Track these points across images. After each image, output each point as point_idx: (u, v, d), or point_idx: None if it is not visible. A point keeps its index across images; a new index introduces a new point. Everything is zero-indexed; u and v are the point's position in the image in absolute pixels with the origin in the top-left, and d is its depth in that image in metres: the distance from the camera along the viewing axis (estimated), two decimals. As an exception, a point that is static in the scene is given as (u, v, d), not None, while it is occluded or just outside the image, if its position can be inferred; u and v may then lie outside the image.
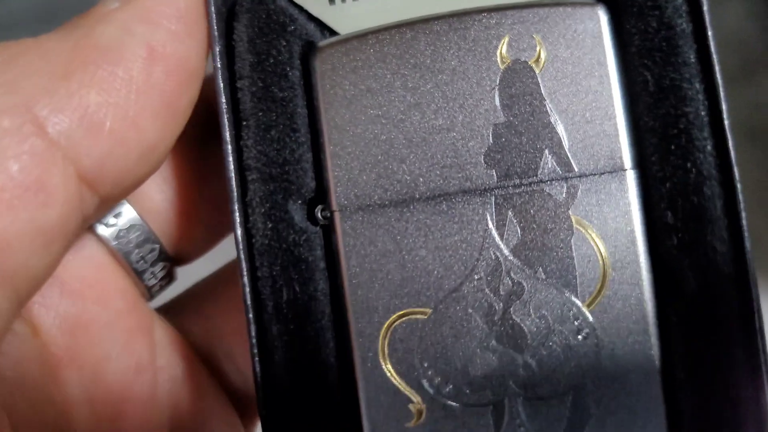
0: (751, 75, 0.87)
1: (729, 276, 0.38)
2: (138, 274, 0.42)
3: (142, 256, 0.42)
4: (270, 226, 0.39)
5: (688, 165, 0.38)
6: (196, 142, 0.43)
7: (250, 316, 0.39)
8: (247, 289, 0.39)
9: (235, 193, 0.39)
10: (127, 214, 0.42)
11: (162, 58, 0.36)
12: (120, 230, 0.41)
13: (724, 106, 0.38)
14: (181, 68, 0.37)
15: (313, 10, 0.43)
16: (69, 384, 0.38)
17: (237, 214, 0.39)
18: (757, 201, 0.80)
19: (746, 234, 0.37)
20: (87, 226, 0.39)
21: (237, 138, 0.39)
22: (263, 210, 0.39)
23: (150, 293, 0.45)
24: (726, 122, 0.38)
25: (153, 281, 0.44)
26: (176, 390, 0.42)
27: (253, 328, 0.39)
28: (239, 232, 0.39)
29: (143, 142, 0.36)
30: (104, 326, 0.40)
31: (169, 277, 0.45)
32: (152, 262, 0.43)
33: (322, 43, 0.41)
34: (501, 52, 0.40)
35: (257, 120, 0.40)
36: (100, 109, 0.34)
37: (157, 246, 0.43)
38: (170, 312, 0.46)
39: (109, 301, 0.40)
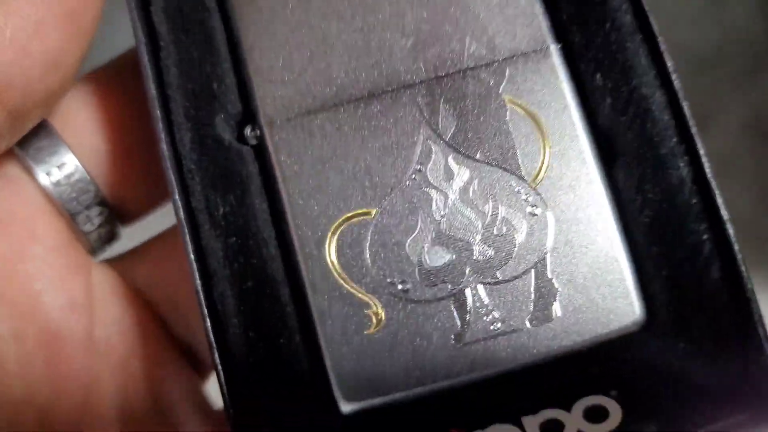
0: (758, 73, 0.86)
1: (664, 120, 0.37)
2: (72, 216, 0.40)
3: (75, 197, 0.40)
4: (198, 140, 0.38)
5: (607, 26, 0.39)
6: (128, 89, 0.42)
7: (186, 231, 0.37)
8: (180, 204, 0.37)
9: (158, 111, 0.37)
10: (59, 152, 0.40)
11: None
12: (51, 168, 0.39)
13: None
14: None
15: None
16: None
17: (161, 131, 0.37)
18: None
19: (674, 78, 0.37)
20: (4, 147, 0.37)
21: (156, 60, 0.39)
22: (189, 126, 0.38)
23: (91, 244, 0.42)
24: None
25: (89, 227, 0.41)
26: (117, 334, 0.40)
27: (189, 244, 0.36)
28: (164, 148, 0.37)
29: (48, 53, 0.35)
30: (35, 261, 0.37)
31: (110, 228, 0.43)
32: (87, 205, 0.41)
33: None
34: (411, -48, 0.40)
35: (175, 40, 0.39)
36: None
37: (92, 187, 0.41)
38: (116, 261, 0.44)
39: (40, 238, 0.38)
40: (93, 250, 0.43)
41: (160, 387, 0.42)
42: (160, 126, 0.37)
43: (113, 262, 0.44)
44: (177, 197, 0.37)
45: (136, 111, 0.41)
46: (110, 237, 0.44)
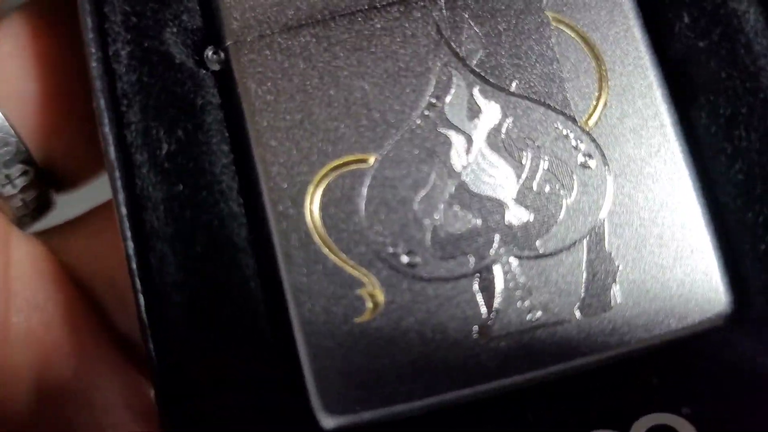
0: None
1: (761, 44, 0.29)
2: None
3: None
4: (139, 56, 0.29)
5: None
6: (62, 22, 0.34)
7: (117, 174, 0.27)
8: (110, 139, 0.27)
9: (88, 16, 0.28)
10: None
11: None
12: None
13: None
14: None
15: None
16: None
17: (91, 42, 0.28)
18: None
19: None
20: None
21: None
22: (129, 37, 0.29)
23: (14, 212, 0.35)
24: None
25: (10, 189, 0.34)
26: (40, 323, 0.34)
27: (121, 194, 0.27)
28: (94, 65, 0.28)
29: None
30: None
31: (38, 193, 0.35)
32: (5, 162, 0.33)
33: None
34: None
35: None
36: None
37: (12, 139, 0.33)
38: (49, 233, 0.37)
39: None
40: (18, 220, 0.36)
41: (91, 387, 0.35)
42: (89, 36, 0.28)
43: (44, 236, 0.37)
44: (107, 129, 0.28)
45: (75, 47, 0.33)
46: (40, 205, 0.37)
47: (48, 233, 0.37)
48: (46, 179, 0.36)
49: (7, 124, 0.33)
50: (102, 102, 0.28)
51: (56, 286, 0.35)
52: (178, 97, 0.29)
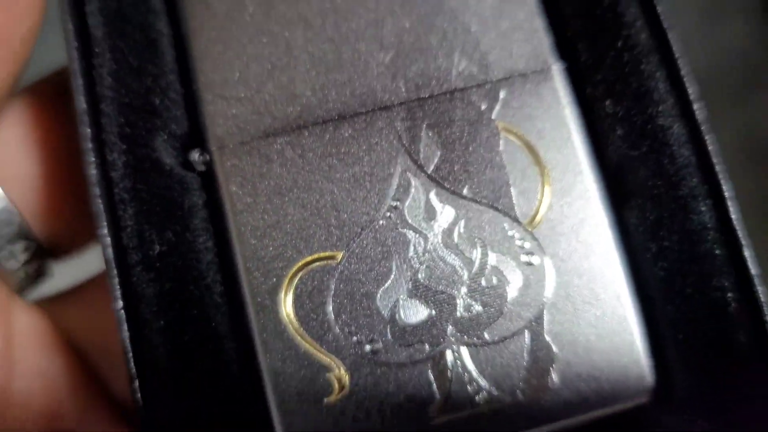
0: (752, 92, 0.83)
1: (684, 155, 0.32)
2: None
3: None
4: (133, 164, 0.32)
5: (619, 44, 0.33)
6: (62, 109, 0.36)
7: (114, 276, 0.30)
8: (107, 241, 0.31)
9: (87, 128, 0.31)
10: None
11: None
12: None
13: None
14: None
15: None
16: None
17: (89, 152, 0.31)
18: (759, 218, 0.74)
19: (696, 107, 0.32)
20: None
21: (88, 67, 0.33)
22: (124, 147, 0.32)
23: (17, 283, 0.37)
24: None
25: (14, 264, 0.36)
26: (41, 389, 0.35)
27: (117, 291, 0.30)
28: (93, 172, 0.31)
29: None
30: None
31: (37, 264, 0.37)
32: (9, 239, 0.35)
33: None
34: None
35: (111, 45, 0.33)
36: None
37: (16, 219, 0.35)
38: (48, 301, 0.38)
39: None
40: (20, 289, 0.38)
41: None
42: (88, 146, 0.31)
43: (42, 303, 0.39)
44: (104, 232, 0.31)
45: (73, 133, 0.35)
46: (40, 274, 0.38)
47: (48, 301, 0.39)
48: (46, 252, 0.38)
49: (10, 205, 0.35)
50: (100, 206, 0.31)
51: (56, 353, 0.37)
52: (168, 201, 0.32)
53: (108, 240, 0.31)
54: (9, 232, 0.36)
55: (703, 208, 0.31)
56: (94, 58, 0.33)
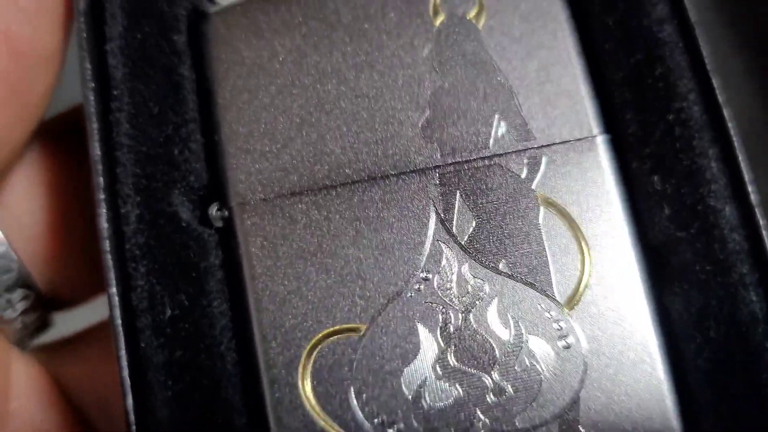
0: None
1: (735, 240, 0.30)
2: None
3: None
4: (148, 219, 0.30)
5: (670, 117, 0.31)
6: (73, 152, 0.35)
7: (121, 340, 0.28)
8: (116, 301, 0.28)
9: (100, 178, 0.29)
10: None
11: (5, 40, 0.30)
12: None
13: (701, 42, 0.31)
14: (32, 51, 0.31)
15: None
16: None
17: (102, 202, 0.29)
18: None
19: (751, 189, 0.30)
20: None
21: (105, 111, 0.30)
22: (138, 199, 0.30)
23: (15, 334, 0.35)
24: (707, 59, 0.31)
25: (11, 313, 0.34)
26: None
27: (124, 357, 0.28)
28: (104, 225, 0.29)
29: None
30: None
31: (37, 314, 0.36)
32: (8, 287, 0.34)
33: (215, 8, 0.34)
34: (433, 5, 0.33)
35: (131, 88, 0.31)
36: None
37: (15, 266, 0.34)
38: (47, 353, 0.37)
39: None
40: (18, 341, 0.36)
41: None
42: (101, 196, 0.29)
43: (39, 354, 0.37)
44: (113, 291, 0.29)
45: (85, 178, 0.33)
46: (39, 326, 0.37)
47: (46, 353, 0.37)
48: (46, 302, 0.36)
49: (10, 251, 0.34)
50: (110, 263, 0.29)
51: (53, 407, 0.35)
52: (183, 260, 0.30)
53: (116, 300, 0.28)
54: (7, 280, 0.34)
55: (754, 298, 0.29)
56: (112, 101, 0.31)
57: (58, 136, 0.36)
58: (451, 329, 0.30)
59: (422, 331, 0.30)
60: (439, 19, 0.33)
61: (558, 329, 0.30)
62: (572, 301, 0.31)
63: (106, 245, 0.29)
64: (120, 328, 0.28)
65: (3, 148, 0.31)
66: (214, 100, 0.32)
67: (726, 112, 0.30)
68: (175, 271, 0.30)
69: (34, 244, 0.34)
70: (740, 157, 0.30)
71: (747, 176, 0.30)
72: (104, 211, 0.29)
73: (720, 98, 0.31)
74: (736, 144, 0.30)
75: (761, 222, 0.30)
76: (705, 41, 0.31)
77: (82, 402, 0.36)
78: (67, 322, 0.38)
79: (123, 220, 0.30)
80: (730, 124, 0.30)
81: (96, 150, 0.29)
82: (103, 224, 0.29)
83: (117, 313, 0.28)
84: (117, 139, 0.30)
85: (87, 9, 0.31)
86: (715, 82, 0.30)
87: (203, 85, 0.32)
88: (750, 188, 0.30)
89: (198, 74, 0.33)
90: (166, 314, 0.29)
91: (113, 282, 0.29)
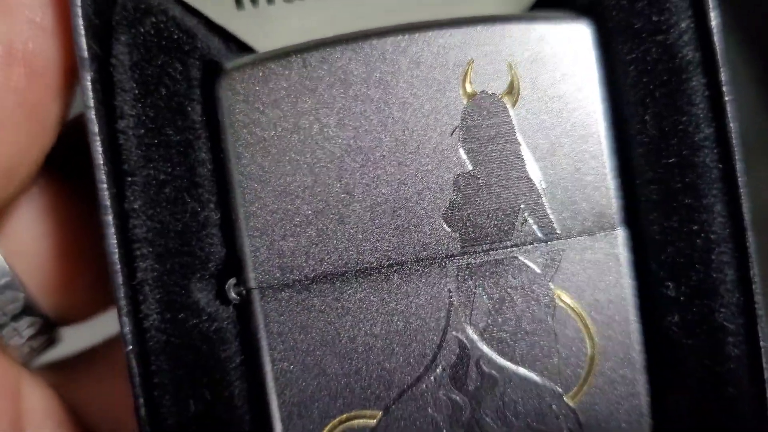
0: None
1: (741, 363, 0.31)
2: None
3: None
4: (168, 317, 0.30)
5: (695, 227, 0.31)
6: (77, 173, 0.34)
7: (147, 438, 0.29)
8: (141, 401, 0.29)
9: (120, 276, 0.29)
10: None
11: (23, 58, 0.29)
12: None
13: (737, 157, 0.31)
14: (49, 70, 0.30)
15: (217, 18, 0.33)
16: None
17: (123, 303, 0.29)
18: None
19: (761, 314, 0.31)
20: None
21: (120, 199, 0.29)
22: (158, 296, 0.30)
23: (22, 357, 0.36)
24: (739, 177, 0.30)
25: (18, 340, 0.34)
26: None
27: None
28: (127, 328, 0.29)
29: (2, 159, 0.29)
30: None
31: (45, 337, 0.36)
32: (14, 316, 0.34)
33: (230, 64, 0.31)
34: (464, 82, 0.31)
35: (147, 175, 0.30)
36: None
37: (21, 295, 0.34)
38: (57, 372, 0.38)
39: None
40: (26, 361, 0.37)
41: None
42: (121, 295, 0.29)
43: (48, 374, 0.38)
44: (138, 390, 0.29)
45: (87, 205, 0.33)
46: (46, 346, 0.37)
47: (56, 374, 0.38)
48: (53, 324, 0.36)
49: (16, 281, 0.34)
50: (133, 368, 0.29)
51: (64, 430, 0.36)
52: (203, 354, 0.30)
53: (141, 401, 0.29)
54: (13, 309, 0.35)
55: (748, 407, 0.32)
56: (126, 188, 0.29)
57: (62, 161, 0.34)
58: (462, 418, 0.32)
59: (435, 419, 0.32)
60: (470, 98, 0.31)
61: (561, 420, 0.32)
62: (576, 396, 0.32)
63: (128, 345, 0.29)
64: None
65: (19, 172, 0.30)
66: (230, 181, 0.31)
67: (749, 236, 0.30)
68: (197, 366, 0.30)
69: (41, 274, 0.34)
70: (754, 278, 0.31)
71: (759, 301, 0.31)
72: (125, 310, 0.29)
73: (745, 215, 0.31)
74: (751, 264, 0.31)
75: (764, 347, 0.31)
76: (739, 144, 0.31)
77: (94, 423, 0.37)
78: (75, 337, 0.39)
79: (144, 317, 0.30)
80: (748, 242, 0.31)
81: (113, 248, 0.29)
82: (125, 324, 0.29)
83: (142, 415, 0.29)
84: (134, 232, 0.29)
85: (96, 79, 0.29)
86: (745, 206, 0.30)
87: (219, 160, 0.31)
88: (761, 312, 0.31)
89: (213, 147, 0.31)
90: (191, 412, 0.30)
91: (137, 383, 0.29)
